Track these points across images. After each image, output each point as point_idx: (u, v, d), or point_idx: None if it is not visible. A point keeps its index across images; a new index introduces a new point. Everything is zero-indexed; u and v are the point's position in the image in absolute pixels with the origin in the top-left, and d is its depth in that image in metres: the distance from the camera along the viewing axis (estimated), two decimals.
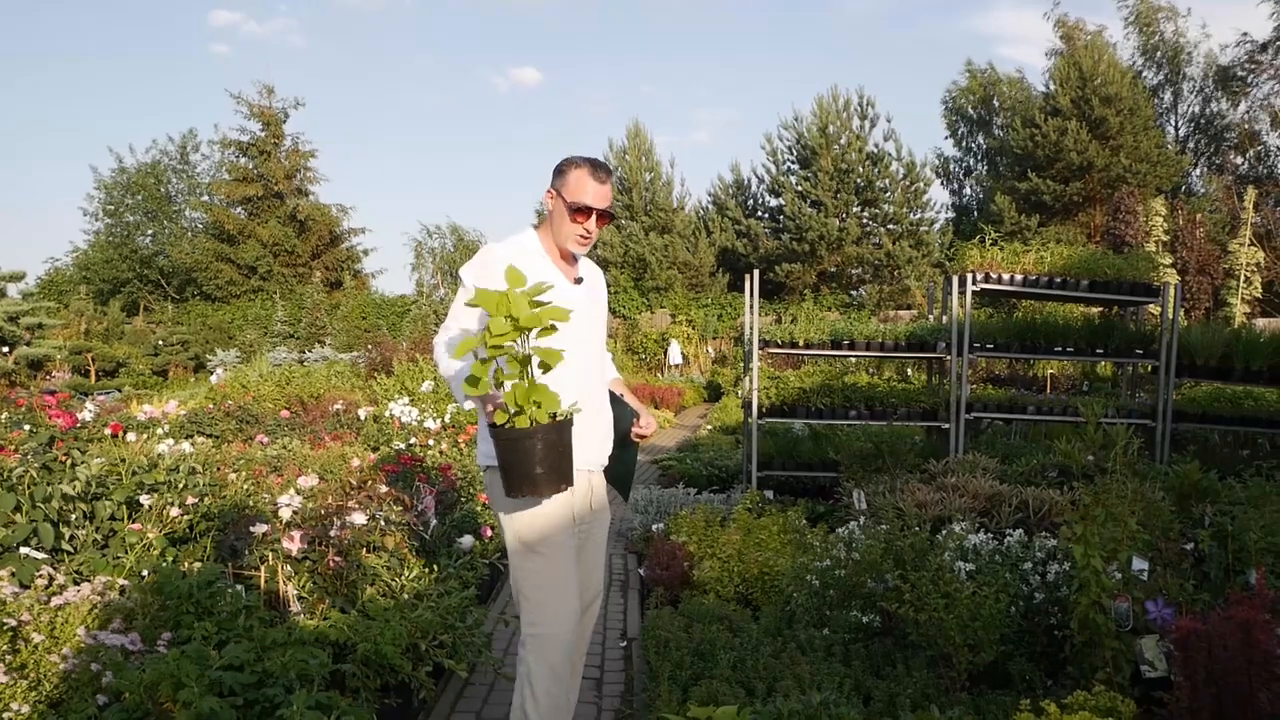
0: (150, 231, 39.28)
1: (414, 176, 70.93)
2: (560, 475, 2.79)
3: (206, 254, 34.58)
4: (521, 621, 3.09)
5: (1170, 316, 7.70)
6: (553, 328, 2.70)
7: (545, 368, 2.71)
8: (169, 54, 63.52)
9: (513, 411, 2.68)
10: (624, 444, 3.35)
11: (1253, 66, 31.07)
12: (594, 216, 3.11)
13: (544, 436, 2.69)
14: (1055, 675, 3.72)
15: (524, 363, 2.68)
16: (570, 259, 3.23)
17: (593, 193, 3.09)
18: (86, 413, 7.13)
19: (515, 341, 2.65)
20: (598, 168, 3.13)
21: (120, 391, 18.72)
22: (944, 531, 4.53)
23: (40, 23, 60.10)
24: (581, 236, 3.13)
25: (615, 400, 3.39)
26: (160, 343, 26.91)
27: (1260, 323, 16.86)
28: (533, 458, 2.71)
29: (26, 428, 5.52)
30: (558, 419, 2.74)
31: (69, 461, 4.50)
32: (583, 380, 3.11)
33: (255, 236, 34.26)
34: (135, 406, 10.61)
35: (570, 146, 67.68)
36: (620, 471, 3.40)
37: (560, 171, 3.16)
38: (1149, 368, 8.49)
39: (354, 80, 70.00)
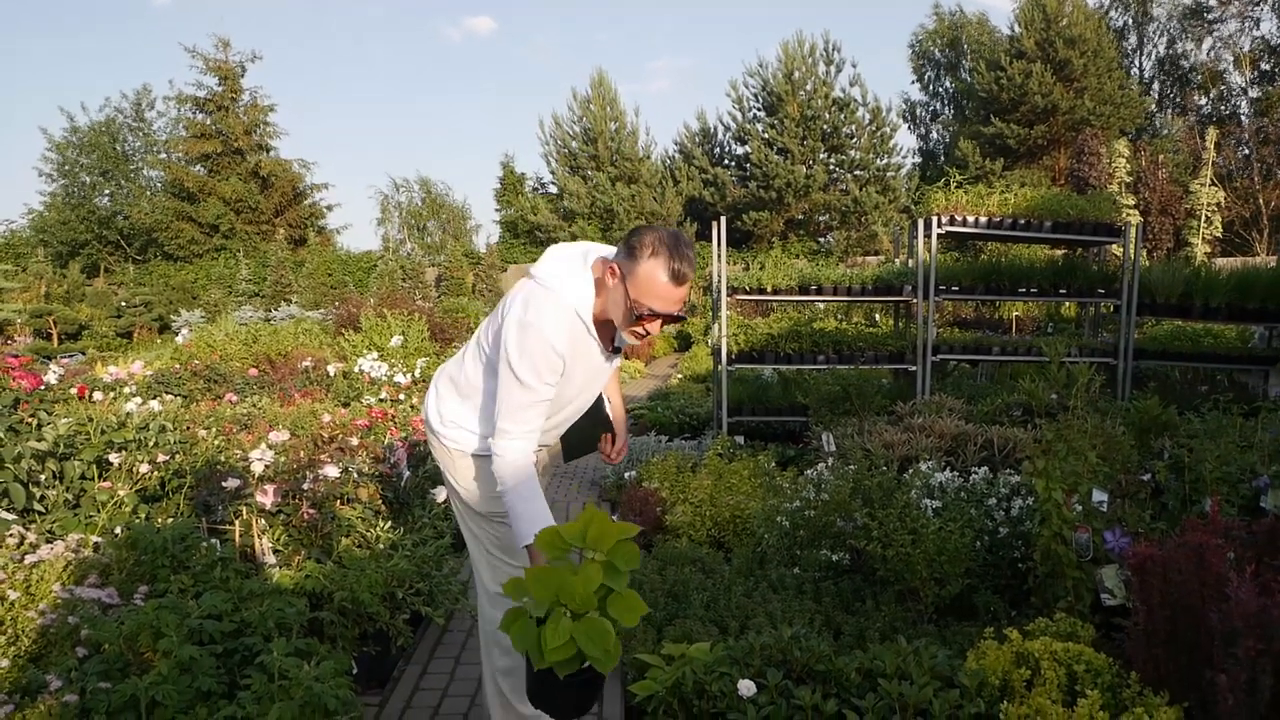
0: (108, 191, 38.39)
1: (372, 130, 69.92)
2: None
3: (166, 213, 33.93)
4: (488, 602, 2.93)
5: (1132, 256, 7.80)
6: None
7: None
8: (109, 8, 61.58)
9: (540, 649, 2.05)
10: (584, 445, 3.01)
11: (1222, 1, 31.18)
12: (660, 321, 2.52)
13: (567, 683, 2.15)
14: (1019, 606, 3.81)
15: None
16: None
17: (665, 298, 2.44)
18: (51, 375, 7.03)
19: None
20: (680, 261, 2.43)
21: (84, 354, 18.48)
22: (911, 471, 4.62)
23: None
24: (638, 336, 2.57)
25: (596, 407, 2.99)
26: (123, 304, 26.47)
27: (1220, 261, 17.13)
28: (548, 689, 2.23)
29: None
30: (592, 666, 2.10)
31: (35, 423, 4.47)
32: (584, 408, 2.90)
33: (216, 194, 33.61)
34: (100, 368, 10.48)
35: (529, 96, 66.75)
36: (571, 443, 3.00)
37: (631, 252, 2.46)
38: (1111, 307, 8.64)
39: (304, 34, 68.51)
